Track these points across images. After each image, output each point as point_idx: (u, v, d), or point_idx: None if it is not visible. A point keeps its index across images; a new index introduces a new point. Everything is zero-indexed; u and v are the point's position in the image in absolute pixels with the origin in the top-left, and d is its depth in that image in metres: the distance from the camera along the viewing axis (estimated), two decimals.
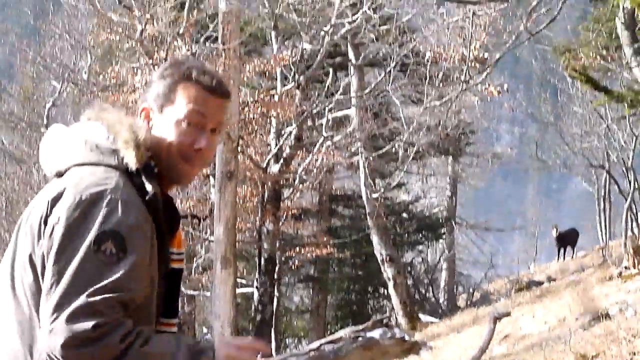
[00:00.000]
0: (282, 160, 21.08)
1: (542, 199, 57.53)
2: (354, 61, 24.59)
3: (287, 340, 33.04)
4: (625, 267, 17.02)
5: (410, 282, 28.67)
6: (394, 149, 25.30)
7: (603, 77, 21.17)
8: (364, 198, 25.08)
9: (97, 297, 2.46)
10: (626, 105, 15.78)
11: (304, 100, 21.04)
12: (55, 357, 2.46)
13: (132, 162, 2.71)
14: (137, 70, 18.47)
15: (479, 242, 34.68)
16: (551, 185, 74.45)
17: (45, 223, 2.61)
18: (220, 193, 15.88)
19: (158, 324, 2.75)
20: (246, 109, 18.97)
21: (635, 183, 26.72)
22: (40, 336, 2.55)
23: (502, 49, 16.69)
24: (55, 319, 2.45)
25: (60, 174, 2.77)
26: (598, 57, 18.25)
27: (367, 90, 23.20)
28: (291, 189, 23.57)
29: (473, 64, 17.01)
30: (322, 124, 23.20)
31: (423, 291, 31.00)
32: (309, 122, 21.97)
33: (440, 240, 34.24)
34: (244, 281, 25.22)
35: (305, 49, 21.62)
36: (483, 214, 43.30)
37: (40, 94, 27.42)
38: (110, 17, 19.01)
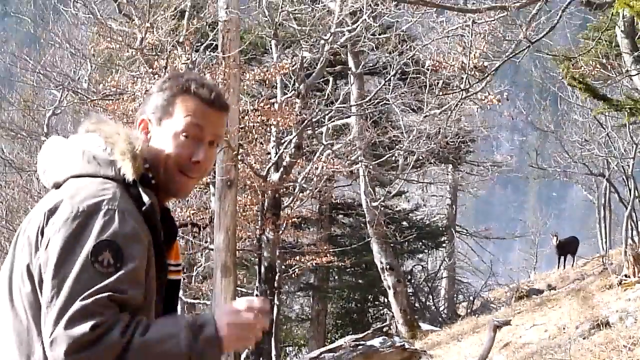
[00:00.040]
0: (282, 169, 21.08)
1: (542, 207, 57.36)
2: (354, 69, 24.62)
3: (287, 348, 33.02)
4: (626, 276, 17.01)
5: (410, 290, 28.67)
6: (393, 157, 25.33)
7: (603, 86, 21.20)
8: (364, 206, 25.10)
9: (91, 299, 2.47)
10: (626, 113, 15.77)
11: (304, 108, 21.03)
12: None
13: (128, 173, 2.72)
14: (137, 78, 18.46)
15: (479, 250, 34.61)
16: (551, 193, 74.34)
17: (42, 234, 2.62)
18: (220, 201, 15.88)
19: None
20: (246, 117, 18.96)
21: (636, 191, 26.71)
22: (45, 350, 2.55)
23: (501, 57, 16.68)
24: (54, 329, 2.46)
25: (57, 185, 2.79)
26: (598, 65, 18.27)
27: (367, 99, 23.21)
28: (291, 198, 23.56)
29: (473, 72, 17.00)
30: (322, 133, 23.22)
31: (423, 299, 30.97)
32: (309, 131, 21.96)
33: (440, 249, 34.22)
34: (244, 290, 25.22)
35: (305, 57, 21.63)
36: (483, 222, 43.29)
37: (40, 102, 27.43)
38: (111, 26, 19.06)
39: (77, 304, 2.46)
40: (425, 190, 36.88)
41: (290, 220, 22.84)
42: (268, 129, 21.01)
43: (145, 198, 2.73)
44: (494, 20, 17.78)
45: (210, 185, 19.14)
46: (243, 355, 20.77)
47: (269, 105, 19.61)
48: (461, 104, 19.93)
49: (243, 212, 20.49)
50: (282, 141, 21.33)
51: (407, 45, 22.54)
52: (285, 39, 23.68)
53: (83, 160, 2.78)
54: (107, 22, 19.31)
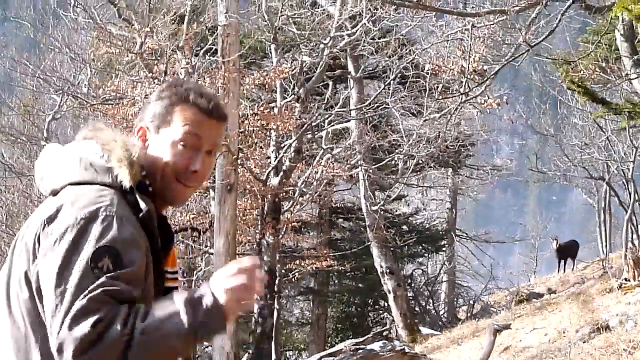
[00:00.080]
0: (282, 173, 21.09)
1: (542, 211, 57.30)
2: (353, 74, 24.62)
3: (287, 353, 33.01)
4: (626, 279, 17.00)
5: (410, 294, 28.68)
6: (393, 161, 25.34)
7: (603, 89, 21.19)
8: (364, 210, 25.08)
9: (89, 296, 2.47)
10: (625, 117, 15.78)
11: (304, 112, 21.05)
12: None
13: (125, 180, 2.73)
14: (136, 83, 18.48)
15: (479, 254, 34.59)
16: (551, 197, 74.31)
17: (39, 242, 2.62)
18: (220, 206, 15.89)
19: None
20: (246, 121, 18.97)
21: (636, 195, 26.69)
22: (42, 356, 2.58)
23: (501, 61, 16.68)
24: (59, 334, 2.46)
25: (55, 192, 2.79)
26: (597, 68, 18.26)
27: (366, 103, 23.22)
28: (291, 202, 23.57)
29: (472, 76, 16.99)
30: (321, 137, 23.22)
31: (423, 303, 30.97)
32: (309, 135, 21.97)
33: (440, 253, 34.19)
34: None
35: (304, 61, 21.65)
36: (483, 226, 43.29)
37: (40, 107, 27.44)
38: (110, 31, 19.07)
39: (77, 304, 2.46)
40: (425, 194, 36.91)
41: (290, 225, 22.84)
42: (268, 133, 21.03)
43: (142, 204, 2.73)
44: (493, 24, 17.80)
45: (210, 190, 19.15)
46: (243, 359, 20.77)
47: (268, 110, 19.63)
48: (461, 108, 19.92)
49: (243, 216, 20.51)
50: (282, 145, 21.34)
51: (406, 49, 22.55)
52: (284, 43, 23.69)
53: (80, 168, 2.79)
54: (106, 27, 19.33)
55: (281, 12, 21.18)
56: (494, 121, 33.44)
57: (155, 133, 2.89)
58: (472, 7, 18.89)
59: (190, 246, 20.64)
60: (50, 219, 2.65)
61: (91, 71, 23.72)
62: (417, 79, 22.32)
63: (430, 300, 31.69)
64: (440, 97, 20.68)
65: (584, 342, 12.86)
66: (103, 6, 21.49)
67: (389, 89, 22.72)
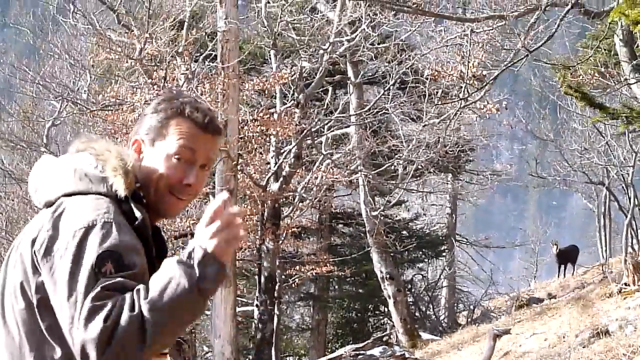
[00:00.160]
0: (281, 179, 21.08)
1: (542, 216, 57.33)
2: (353, 79, 24.63)
3: (287, 358, 33.00)
4: (625, 284, 16.98)
5: (410, 299, 28.66)
6: (393, 166, 25.33)
7: (603, 94, 21.20)
8: (364, 216, 25.09)
9: (91, 296, 2.49)
10: (623, 121, 15.81)
11: (303, 118, 21.05)
12: None
13: (121, 189, 2.75)
14: (136, 89, 18.48)
15: (479, 259, 34.59)
16: (551, 202, 74.34)
17: (39, 254, 2.63)
18: None
19: None
20: (245, 127, 18.97)
21: (635, 199, 26.72)
22: None
23: (500, 66, 16.70)
24: (78, 340, 2.48)
25: (49, 204, 2.80)
26: (597, 74, 18.28)
27: (366, 108, 23.20)
28: (291, 207, 23.58)
29: (471, 81, 17.01)
30: (321, 142, 23.23)
31: (423, 309, 30.96)
32: (309, 140, 21.97)
33: (441, 258, 34.18)
34: (244, 299, 25.22)
35: (304, 67, 21.66)
36: (483, 231, 43.22)
37: (39, 113, 27.39)
38: (110, 37, 19.08)
39: (84, 307, 2.47)
40: (425, 199, 36.87)
41: (290, 230, 22.85)
42: (267, 138, 21.03)
43: (137, 213, 2.75)
44: (492, 30, 17.82)
45: (210, 195, 19.14)
46: None
47: (268, 115, 19.64)
48: (460, 113, 19.93)
49: (243, 222, 20.43)
50: (282, 151, 21.34)
51: (406, 55, 22.55)
52: (284, 49, 23.71)
53: (75, 178, 2.80)
54: (106, 33, 19.34)
55: (280, 17, 21.20)
56: (493, 126, 33.45)
57: (150, 146, 2.90)
58: (471, 13, 18.91)
59: None
60: (47, 231, 2.66)
61: (91, 77, 23.72)
62: (417, 85, 22.32)
63: (431, 306, 31.67)
64: (440, 103, 20.70)
65: (583, 347, 12.86)
66: (102, 12, 21.47)
67: (389, 95, 22.72)
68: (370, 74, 25.57)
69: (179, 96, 2.98)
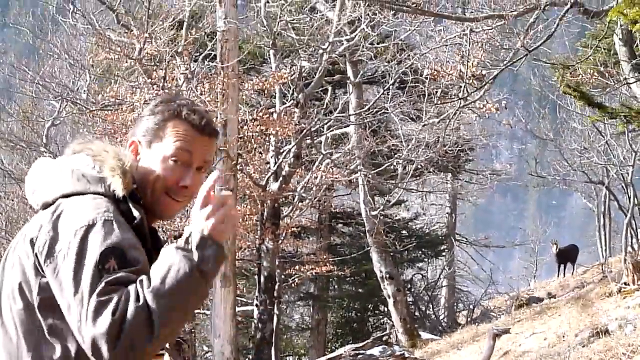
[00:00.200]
0: (281, 178, 21.08)
1: (542, 215, 57.33)
2: (352, 79, 24.64)
3: (287, 358, 33.01)
4: (625, 284, 16.99)
5: (410, 299, 28.65)
6: (393, 166, 25.32)
7: (602, 94, 21.19)
8: (364, 215, 25.09)
9: (96, 291, 2.50)
10: (621, 121, 15.81)
11: (303, 118, 21.05)
12: None
13: (119, 189, 2.77)
14: (136, 89, 18.46)
15: (478, 258, 34.60)
16: (551, 201, 74.35)
17: (41, 256, 2.64)
18: None
19: None
20: (245, 127, 18.96)
21: (635, 199, 26.69)
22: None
23: (499, 65, 16.70)
24: (88, 336, 2.49)
25: (46, 205, 2.81)
26: (596, 73, 18.28)
27: (365, 108, 23.22)
28: (290, 207, 23.58)
29: (471, 80, 17.01)
30: (321, 142, 23.23)
31: (423, 308, 30.96)
32: (308, 140, 21.98)
33: (440, 257, 34.19)
34: (244, 299, 25.21)
35: (303, 66, 21.65)
36: (483, 231, 43.24)
37: (39, 113, 27.39)
38: (109, 37, 19.07)
39: (91, 303, 2.48)
40: (425, 199, 36.88)
41: (289, 230, 22.84)
42: (267, 138, 21.02)
43: (136, 213, 2.77)
44: (491, 29, 17.82)
45: None
46: None
47: (267, 115, 19.63)
48: (460, 113, 19.94)
49: (242, 222, 20.49)
50: (281, 150, 21.34)
51: (405, 54, 22.55)
52: (283, 48, 23.70)
53: (72, 179, 2.81)
54: (105, 33, 19.34)
55: (280, 17, 21.20)
56: (493, 126, 33.43)
57: (147, 148, 2.92)
58: (471, 12, 18.92)
59: None
60: (47, 233, 2.67)
61: (90, 77, 23.72)
62: (416, 84, 22.32)
63: (430, 305, 31.67)
64: (439, 102, 20.69)
65: (583, 347, 12.86)
66: (102, 12, 21.47)
67: (388, 94, 22.72)
68: (369, 74, 25.57)
69: (175, 98, 2.99)
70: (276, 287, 21.94)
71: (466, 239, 35.48)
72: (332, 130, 24.36)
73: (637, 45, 16.15)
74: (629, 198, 27.05)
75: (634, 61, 15.95)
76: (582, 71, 17.90)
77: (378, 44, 22.95)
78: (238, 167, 17.38)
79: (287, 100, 21.53)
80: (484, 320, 25.22)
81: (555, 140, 33.44)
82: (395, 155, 24.64)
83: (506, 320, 20.79)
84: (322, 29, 22.05)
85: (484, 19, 16.45)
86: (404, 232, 31.25)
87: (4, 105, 28.69)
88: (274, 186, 20.91)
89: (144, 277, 2.54)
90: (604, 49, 17.98)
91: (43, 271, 2.64)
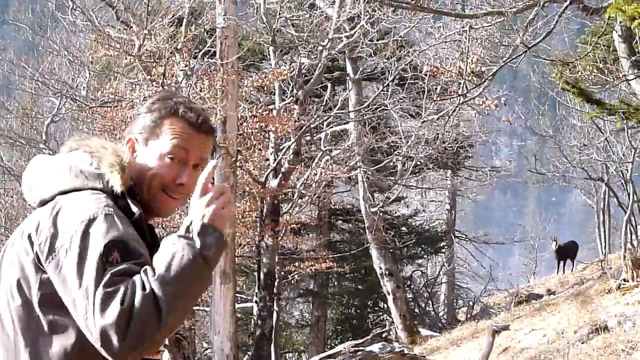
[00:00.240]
0: (280, 175, 21.08)
1: (542, 212, 57.37)
2: (352, 75, 24.64)
3: (287, 355, 33.03)
4: (624, 280, 17.00)
5: (409, 296, 28.67)
6: (392, 162, 25.34)
7: (602, 90, 21.20)
8: (363, 212, 25.10)
9: (102, 283, 2.51)
10: (620, 117, 15.80)
11: (303, 114, 21.05)
12: (132, 356, 2.52)
13: (117, 185, 2.79)
14: (135, 85, 18.47)
15: (478, 255, 34.63)
16: (550, 198, 74.39)
17: (42, 253, 2.64)
18: None
19: None
20: (244, 123, 18.96)
21: (634, 195, 26.73)
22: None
23: (499, 62, 16.70)
24: (97, 328, 2.49)
25: (44, 202, 2.81)
26: (595, 69, 18.28)
27: (365, 105, 23.21)
28: (290, 204, 23.57)
29: (470, 77, 17.01)
30: (320, 139, 23.24)
31: (423, 305, 30.99)
32: (308, 137, 21.99)
33: (440, 254, 34.20)
34: (243, 296, 25.22)
35: (303, 63, 21.65)
36: (482, 228, 43.31)
37: (38, 110, 27.38)
38: (109, 33, 19.05)
39: (97, 295, 2.49)
40: (424, 195, 36.91)
41: (289, 227, 22.85)
42: (266, 135, 21.03)
43: (134, 208, 2.78)
44: (491, 26, 17.82)
45: None
46: None
47: (267, 112, 19.62)
48: (459, 109, 19.93)
49: (242, 219, 20.51)
50: (281, 147, 21.34)
51: (404, 51, 22.55)
52: (283, 45, 23.69)
53: (70, 175, 2.82)
54: (105, 30, 19.31)
55: (279, 14, 21.18)
56: (492, 122, 33.44)
57: (144, 145, 2.92)
58: (470, 9, 18.90)
59: None
60: (50, 231, 2.66)
61: (90, 74, 23.69)
62: (416, 81, 22.30)
63: (430, 302, 31.70)
64: (439, 99, 20.68)
65: (582, 343, 12.88)
66: (101, 9, 21.44)
67: (388, 91, 22.71)
68: (369, 70, 25.60)
69: (172, 96, 3.01)
70: (276, 283, 21.94)
71: (466, 235, 35.52)
72: (332, 127, 24.35)
73: (636, 42, 16.14)
74: (629, 195, 27.10)
75: (633, 58, 15.96)
76: (581, 68, 17.89)
77: (377, 40, 22.94)
78: (237, 163, 17.38)
79: (286, 97, 21.52)
80: (483, 316, 25.26)
81: (554, 137, 33.50)
82: (395, 152, 24.65)
83: (505, 317, 20.80)
84: (321, 26, 22.03)
85: (484, 16, 16.45)
86: (403, 228, 31.27)
87: (3, 102, 28.66)
88: (273, 183, 20.91)
89: (147, 267, 2.55)
90: (604, 45, 17.98)
91: (44, 268, 2.64)
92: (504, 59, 16.29)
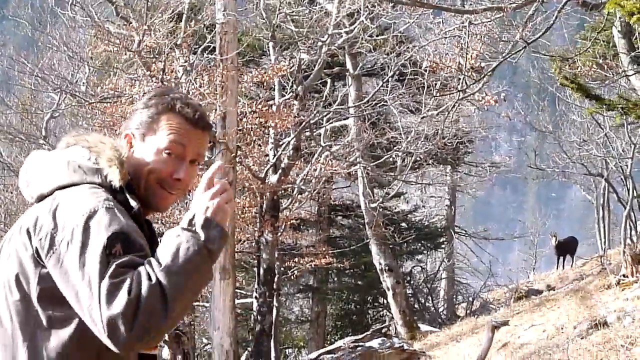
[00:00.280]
0: (280, 171, 21.08)
1: (541, 208, 57.42)
2: (351, 71, 24.63)
3: (286, 350, 33.03)
4: (624, 275, 17.02)
5: (409, 291, 28.68)
6: (392, 158, 25.34)
7: (601, 86, 21.18)
8: (363, 208, 25.11)
9: (108, 274, 2.52)
10: (618, 113, 15.82)
11: (302, 110, 21.04)
12: (138, 346, 2.55)
13: (116, 179, 2.80)
14: (135, 81, 18.46)
15: (478, 251, 34.66)
16: (550, 193, 74.39)
17: (42, 249, 2.64)
18: None
19: None
20: (244, 119, 18.94)
21: (634, 191, 26.73)
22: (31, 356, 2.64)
23: (498, 58, 16.70)
24: (104, 320, 2.50)
25: (42, 198, 2.82)
26: (595, 65, 18.28)
27: (365, 100, 23.21)
28: (290, 199, 23.57)
29: (470, 73, 17.00)
30: (320, 134, 23.24)
31: (422, 300, 30.99)
32: (307, 132, 21.98)
33: (440, 250, 34.22)
34: (243, 292, 25.22)
35: (302, 59, 21.64)
36: (482, 223, 43.30)
37: (38, 105, 27.36)
38: (108, 29, 19.03)
39: (103, 287, 2.50)
40: (424, 191, 36.93)
41: (289, 222, 22.85)
42: (266, 130, 21.01)
43: (133, 202, 2.80)
44: (490, 21, 17.79)
45: None
46: (243, 358, 20.75)
47: (267, 107, 19.61)
48: (459, 105, 19.93)
49: (241, 214, 20.50)
50: (280, 143, 21.33)
51: (404, 47, 22.51)
52: (282, 41, 23.66)
53: (68, 170, 2.83)
54: (104, 25, 19.29)
55: (279, 9, 21.16)
56: (492, 118, 33.46)
57: (141, 141, 2.93)
58: (470, 4, 18.86)
59: None
60: (50, 226, 2.67)
61: (89, 69, 23.71)
62: (415, 76, 22.29)
63: (429, 298, 31.71)
64: (439, 94, 20.68)
65: (582, 339, 12.88)
66: (101, 4, 21.42)
67: (387, 87, 22.69)
68: (369, 66, 25.56)
69: (169, 92, 3.01)
70: (275, 279, 21.95)
71: (465, 231, 35.53)
72: (332, 123, 24.36)
73: (635, 38, 16.14)
74: (628, 190, 27.11)
75: (632, 53, 15.96)
76: (581, 63, 17.89)
77: (377, 36, 22.92)
78: (237, 159, 17.38)
79: (286, 93, 21.53)
80: (483, 312, 25.26)
81: (554, 133, 33.52)
82: (395, 148, 24.65)
83: (505, 313, 20.82)
84: (321, 21, 22.02)
85: (483, 11, 16.42)
86: (403, 224, 31.27)
87: (3, 98, 28.66)
88: (273, 178, 20.91)
89: (151, 259, 2.57)
90: (603, 41, 17.98)
91: (43, 262, 2.64)
92: (504, 54, 16.28)
